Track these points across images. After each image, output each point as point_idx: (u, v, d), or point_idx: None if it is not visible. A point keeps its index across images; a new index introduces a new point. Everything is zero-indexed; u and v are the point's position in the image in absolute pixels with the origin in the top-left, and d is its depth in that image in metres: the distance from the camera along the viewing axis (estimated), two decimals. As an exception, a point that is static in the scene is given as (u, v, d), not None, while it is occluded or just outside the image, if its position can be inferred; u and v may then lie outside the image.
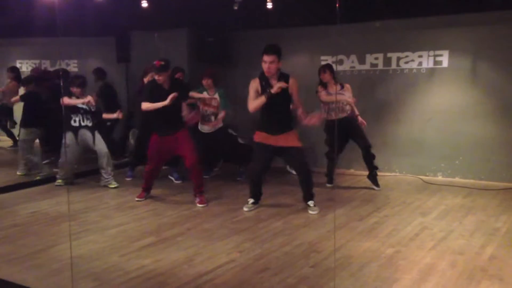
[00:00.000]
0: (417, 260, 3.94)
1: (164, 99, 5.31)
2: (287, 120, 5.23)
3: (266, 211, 5.35)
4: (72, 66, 9.79)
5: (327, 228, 4.74)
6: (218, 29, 7.99)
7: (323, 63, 7.62)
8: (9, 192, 6.20)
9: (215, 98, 6.57)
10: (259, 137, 5.23)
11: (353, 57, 7.37)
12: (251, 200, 5.46)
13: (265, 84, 5.11)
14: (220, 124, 6.59)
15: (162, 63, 5.39)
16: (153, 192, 6.07)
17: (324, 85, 6.23)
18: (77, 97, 6.23)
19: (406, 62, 6.99)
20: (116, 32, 8.52)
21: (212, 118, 6.56)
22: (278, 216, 5.16)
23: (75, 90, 6.24)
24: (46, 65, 10.22)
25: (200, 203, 5.57)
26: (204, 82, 6.59)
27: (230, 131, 6.86)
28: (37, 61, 10.29)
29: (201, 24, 7.93)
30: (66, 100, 6.10)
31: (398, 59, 7.05)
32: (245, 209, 5.38)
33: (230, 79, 8.41)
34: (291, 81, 5.12)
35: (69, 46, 9.52)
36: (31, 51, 10.27)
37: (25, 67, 10.29)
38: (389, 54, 7.10)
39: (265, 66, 5.04)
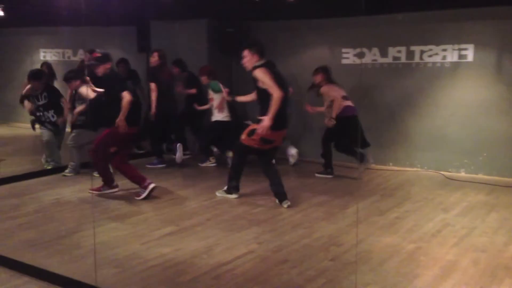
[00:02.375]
0: (438, 257, 3.89)
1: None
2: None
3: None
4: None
5: (347, 222, 4.71)
6: (238, 19, 7.96)
7: (344, 56, 7.57)
8: (33, 179, 6.30)
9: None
10: (273, 136, 5.12)
11: (375, 50, 7.28)
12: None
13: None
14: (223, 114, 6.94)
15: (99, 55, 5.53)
16: (172, 181, 6.11)
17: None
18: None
19: (430, 56, 6.88)
20: (137, 22, 8.57)
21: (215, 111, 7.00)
22: (297, 209, 5.15)
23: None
24: (69, 54, 10.35)
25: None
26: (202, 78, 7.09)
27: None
28: (60, 50, 10.42)
29: (221, 14, 7.91)
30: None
31: (422, 52, 6.93)
32: (218, 193, 5.58)
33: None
34: None
35: (91, 35, 9.61)
36: (54, 40, 10.40)
37: (48, 56, 10.42)
38: (412, 47, 6.99)
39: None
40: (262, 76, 4.98)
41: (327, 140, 6.53)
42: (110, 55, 5.58)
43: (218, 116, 6.94)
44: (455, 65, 6.71)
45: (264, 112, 4.99)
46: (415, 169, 7.02)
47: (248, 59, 5.13)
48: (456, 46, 6.69)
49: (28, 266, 3.63)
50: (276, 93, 4.90)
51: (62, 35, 10.00)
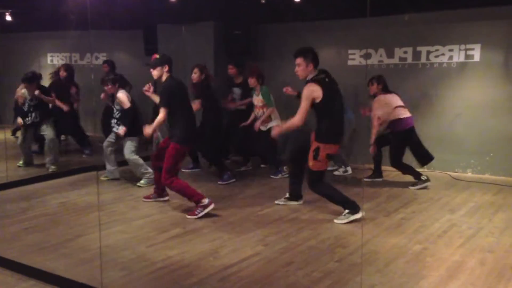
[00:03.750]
0: (445, 258, 3.87)
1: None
2: (316, 126, 4.78)
3: (291, 205, 5.33)
4: (101, 59, 9.93)
5: (353, 223, 4.70)
6: (245, 22, 7.98)
7: (350, 57, 7.56)
8: (39, 183, 6.36)
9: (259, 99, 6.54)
10: (332, 150, 4.71)
11: (381, 51, 7.26)
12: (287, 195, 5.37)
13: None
14: (268, 123, 6.46)
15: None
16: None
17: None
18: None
19: (436, 56, 6.85)
20: (144, 25, 8.61)
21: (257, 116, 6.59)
22: (303, 210, 5.15)
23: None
24: (76, 58, 10.42)
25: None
26: (249, 80, 6.59)
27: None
28: (67, 54, 10.50)
29: (227, 17, 7.94)
30: None
31: (428, 53, 6.91)
32: (276, 202, 5.36)
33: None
34: None
35: (98, 39, 9.68)
36: (61, 44, 10.48)
37: (56, 60, 10.51)
38: (418, 48, 6.97)
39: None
40: (305, 95, 4.59)
41: (378, 145, 6.17)
42: (170, 58, 5.19)
43: (269, 124, 6.49)
44: (462, 65, 6.67)
45: (321, 127, 4.68)
46: (421, 169, 6.97)
47: (303, 68, 4.70)
48: (463, 46, 6.66)
49: (34, 269, 3.66)
50: (297, 119, 4.60)
51: (69, 39, 10.07)
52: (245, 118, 6.79)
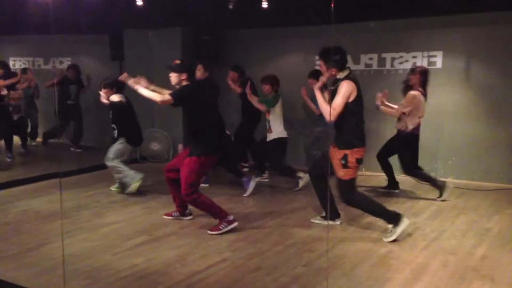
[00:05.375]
0: (409, 260, 3.95)
1: None
2: (339, 134, 4.47)
3: (259, 210, 5.34)
4: (66, 64, 9.75)
5: (320, 228, 4.74)
6: (213, 27, 7.98)
7: (317, 63, 7.64)
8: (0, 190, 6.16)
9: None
10: (360, 153, 4.41)
11: (348, 57, 7.35)
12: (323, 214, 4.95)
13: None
14: (273, 134, 6.24)
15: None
16: (146, 189, 6.05)
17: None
18: None
19: (401, 63, 7.02)
20: (110, 30, 8.49)
21: (267, 125, 6.34)
22: (271, 216, 5.16)
23: None
24: (40, 62, 10.18)
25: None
26: (262, 87, 6.31)
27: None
28: (30, 59, 10.25)
29: (195, 22, 7.91)
30: None
31: (393, 59, 7.07)
32: (312, 220, 4.95)
33: (224, 78, 8.39)
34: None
35: (63, 43, 9.49)
36: (24, 49, 10.23)
37: (18, 64, 10.23)
38: (383, 55, 7.12)
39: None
40: (344, 92, 4.27)
41: (385, 155, 6.06)
42: (191, 66, 4.83)
43: (280, 133, 6.29)
44: None
45: (345, 132, 4.40)
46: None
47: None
48: (426, 53, 6.85)
49: (-5, 280, 3.54)
50: (333, 114, 4.25)
51: (32, 44, 9.84)
52: (254, 121, 6.84)
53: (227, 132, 7.08)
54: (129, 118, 6.08)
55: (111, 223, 4.92)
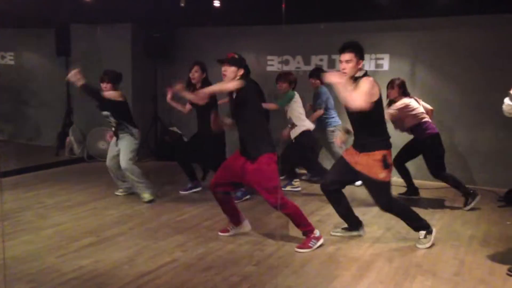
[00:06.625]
0: (356, 257, 4.05)
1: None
2: (368, 137, 4.13)
3: (211, 210, 5.31)
4: (9, 59, 9.34)
5: (271, 227, 4.78)
6: (164, 25, 7.87)
7: (269, 63, 7.70)
8: None
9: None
10: (346, 151, 4.37)
11: (299, 58, 7.49)
12: (344, 225, 4.63)
13: None
14: (298, 128, 6.04)
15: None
16: (94, 190, 5.89)
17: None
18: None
19: (350, 65, 7.17)
20: (56, 25, 8.20)
21: (289, 123, 6.12)
22: (222, 215, 5.12)
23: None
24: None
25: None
26: (279, 86, 6.10)
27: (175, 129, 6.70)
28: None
29: (146, 19, 7.78)
30: None
31: (342, 61, 7.21)
32: (333, 233, 4.62)
33: (175, 76, 8.31)
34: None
35: (4, 37, 9.07)
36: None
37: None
38: (333, 56, 7.27)
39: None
40: (367, 88, 3.92)
41: (402, 160, 5.88)
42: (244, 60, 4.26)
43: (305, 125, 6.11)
44: (372, 74, 6.84)
45: (376, 133, 4.13)
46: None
47: (353, 65, 4.08)
48: (373, 56, 7.05)
49: None
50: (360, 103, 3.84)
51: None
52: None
53: (178, 131, 7.02)
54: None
55: (55, 224, 4.75)
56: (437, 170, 5.57)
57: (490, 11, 6.22)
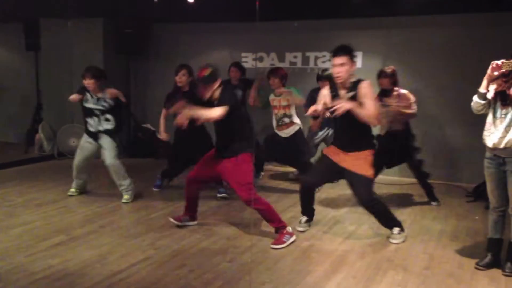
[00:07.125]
0: (329, 252, 4.09)
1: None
2: (359, 137, 4.21)
3: (183, 208, 5.26)
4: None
5: (244, 224, 4.77)
6: (137, 20, 7.76)
7: (243, 59, 7.68)
8: None
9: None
10: (328, 150, 4.43)
11: (273, 55, 7.51)
12: (303, 218, 4.67)
13: (334, 93, 4.23)
14: (296, 125, 6.08)
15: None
16: (64, 188, 5.77)
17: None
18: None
19: (323, 62, 7.22)
20: (25, 18, 7.99)
21: (286, 120, 6.10)
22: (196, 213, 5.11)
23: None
24: None
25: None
26: (271, 81, 6.06)
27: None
28: None
29: (118, 14, 7.65)
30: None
31: (316, 58, 7.28)
32: (298, 228, 4.60)
33: (148, 72, 8.22)
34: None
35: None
36: None
37: None
38: (307, 53, 7.31)
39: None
40: (371, 93, 4.00)
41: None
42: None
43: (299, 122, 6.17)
44: None
45: (366, 133, 4.22)
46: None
47: (347, 68, 4.05)
48: (347, 53, 7.09)
49: None
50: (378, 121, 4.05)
51: None
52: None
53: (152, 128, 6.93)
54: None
55: (24, 223, 4.64)
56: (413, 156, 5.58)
57: (462, 10, 6.35)
